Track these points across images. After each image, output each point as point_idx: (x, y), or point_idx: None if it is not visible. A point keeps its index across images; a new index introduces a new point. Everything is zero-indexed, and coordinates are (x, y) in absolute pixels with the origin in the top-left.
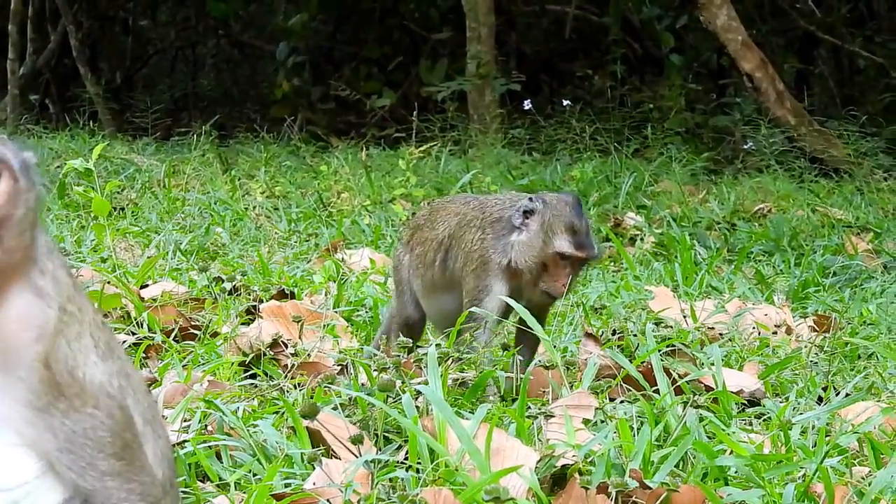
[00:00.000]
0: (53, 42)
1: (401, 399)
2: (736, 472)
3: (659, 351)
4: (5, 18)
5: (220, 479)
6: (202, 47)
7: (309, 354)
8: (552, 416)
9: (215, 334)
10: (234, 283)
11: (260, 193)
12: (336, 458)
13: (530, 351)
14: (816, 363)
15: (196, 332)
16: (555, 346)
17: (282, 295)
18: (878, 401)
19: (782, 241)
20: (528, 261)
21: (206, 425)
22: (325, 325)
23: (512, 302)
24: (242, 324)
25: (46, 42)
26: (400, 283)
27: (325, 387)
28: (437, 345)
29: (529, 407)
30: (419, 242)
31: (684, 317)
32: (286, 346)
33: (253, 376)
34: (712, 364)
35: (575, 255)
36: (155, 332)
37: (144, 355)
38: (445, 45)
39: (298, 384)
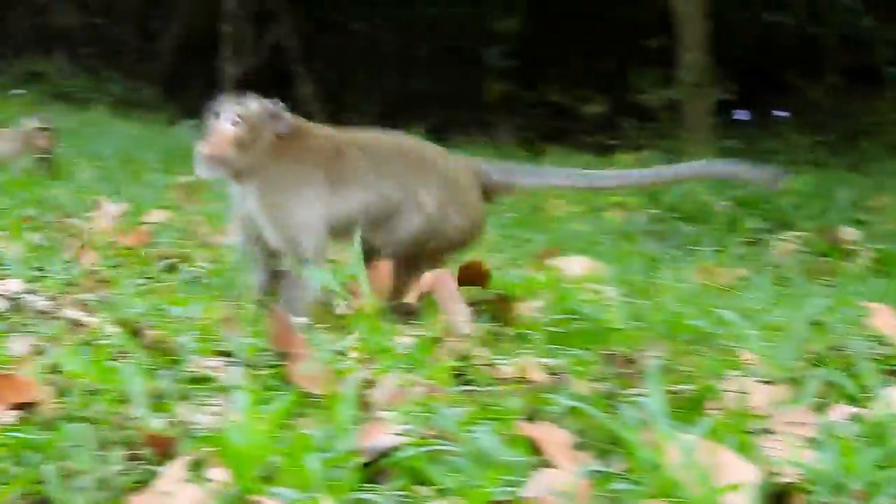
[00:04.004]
0: (269, 43)
1: (617, 410)
2: None
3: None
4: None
5: (438, 483)
6: (416, 49)
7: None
8: (773, 433)
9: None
10: None
11: None
12: (552, 467)
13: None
14: None
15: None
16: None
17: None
18: None
19: None
20: None
21: (423, 429)
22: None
23: None
24: None
25: (263, 44)
26: None
27: (541, 396)
28: (657, 356)
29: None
30: None
31: None
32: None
33: (466, 382)
34: None
35: None
36: None
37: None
38: (657, 52)
39: (513, 391)
